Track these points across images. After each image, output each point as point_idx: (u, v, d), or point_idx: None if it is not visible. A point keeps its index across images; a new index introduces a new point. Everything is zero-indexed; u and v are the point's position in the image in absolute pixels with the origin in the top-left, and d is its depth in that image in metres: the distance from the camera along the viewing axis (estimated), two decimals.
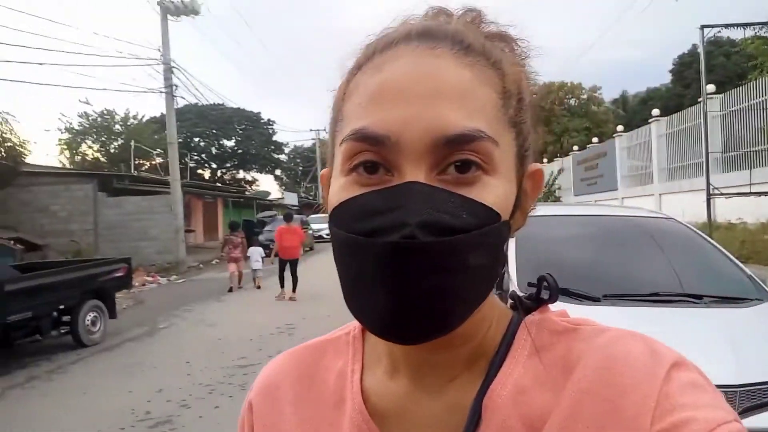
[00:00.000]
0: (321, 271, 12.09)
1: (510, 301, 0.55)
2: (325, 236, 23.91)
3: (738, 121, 13.17)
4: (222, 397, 5.15)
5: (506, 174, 0.47)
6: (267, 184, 47.62)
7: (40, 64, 19.12)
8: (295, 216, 14.07)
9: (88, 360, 6.99)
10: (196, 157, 36.69)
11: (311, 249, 23.24)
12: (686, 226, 4.21)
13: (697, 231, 4.16)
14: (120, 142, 31.16)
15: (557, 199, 17.88)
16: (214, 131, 40.30)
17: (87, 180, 18.66)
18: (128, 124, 32.20)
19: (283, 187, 53.17)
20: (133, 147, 27.59)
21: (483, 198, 0.44)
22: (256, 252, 12.84)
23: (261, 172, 45.07)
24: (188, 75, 26.02)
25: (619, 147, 16.53)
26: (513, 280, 3.54)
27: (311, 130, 46.66)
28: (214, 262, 19.46)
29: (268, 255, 12.56)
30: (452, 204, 0.43)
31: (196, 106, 34.50)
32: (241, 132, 41.87)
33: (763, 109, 12.38)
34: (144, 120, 33.96)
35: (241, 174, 45.74)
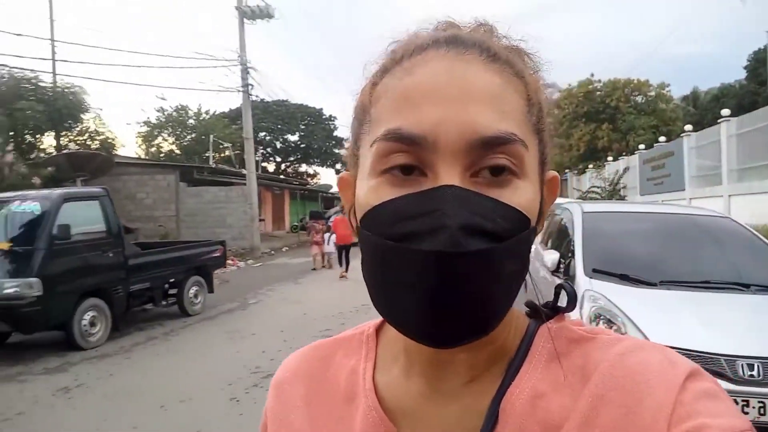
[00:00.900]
0: None
1: (526, 309, 0.56)
2: None
3: None
4: None
5: (533, 178, 0.48)
6: (327, 177, 48.82)
7: (125, 66, 20.69)
8: None
9: (195, 326, 8.11)
10: (261, 151, 38.26)
11: None
12: (740, 224, 4.66)
13: (750, 229, 4.60)
14: (192, 135, 33.16)
15: (622, 198, 17.61)
16: (278, 126, 41.87)
17: (170, 171, 20.03)
18: (200, 119, 34.23)
19: None
20: (211, 141, 29.43)
21: (514, 201, 0.45)
22: (328, 237, 14.65)
23: (322, 166, 46.29)
24: (263, 74, 27.37)
25: (687, 147, 16.24)
26: (579, 268, 4.11)
27: None
28: (284, 249, 20.84)
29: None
30: (488, 208, 0.43)
31: (262, 102, 35.92)
32: (304, 127, 43.29)
33: None
34: (215, 115, 35.92)
35: (304, 167, 47.30)
